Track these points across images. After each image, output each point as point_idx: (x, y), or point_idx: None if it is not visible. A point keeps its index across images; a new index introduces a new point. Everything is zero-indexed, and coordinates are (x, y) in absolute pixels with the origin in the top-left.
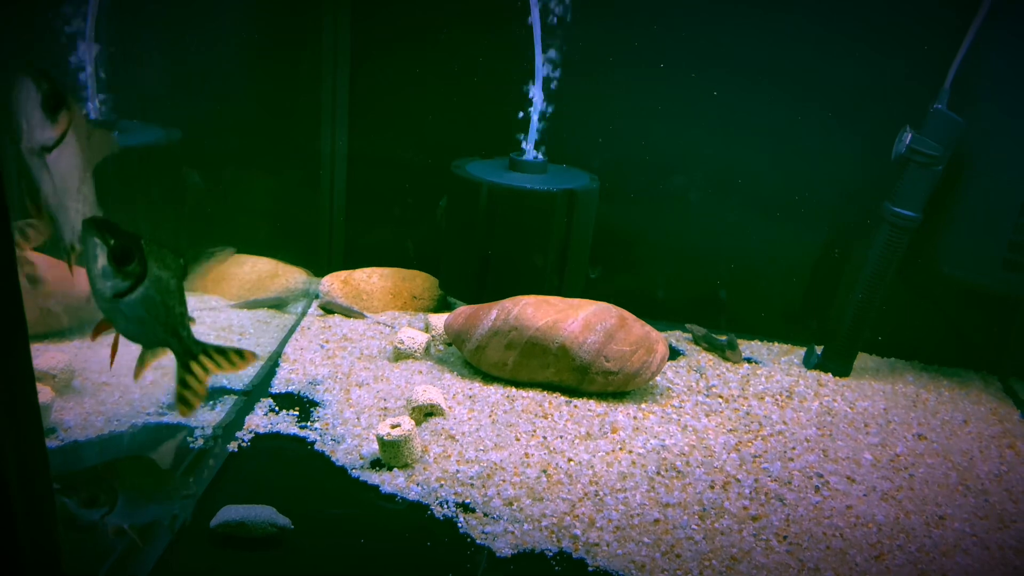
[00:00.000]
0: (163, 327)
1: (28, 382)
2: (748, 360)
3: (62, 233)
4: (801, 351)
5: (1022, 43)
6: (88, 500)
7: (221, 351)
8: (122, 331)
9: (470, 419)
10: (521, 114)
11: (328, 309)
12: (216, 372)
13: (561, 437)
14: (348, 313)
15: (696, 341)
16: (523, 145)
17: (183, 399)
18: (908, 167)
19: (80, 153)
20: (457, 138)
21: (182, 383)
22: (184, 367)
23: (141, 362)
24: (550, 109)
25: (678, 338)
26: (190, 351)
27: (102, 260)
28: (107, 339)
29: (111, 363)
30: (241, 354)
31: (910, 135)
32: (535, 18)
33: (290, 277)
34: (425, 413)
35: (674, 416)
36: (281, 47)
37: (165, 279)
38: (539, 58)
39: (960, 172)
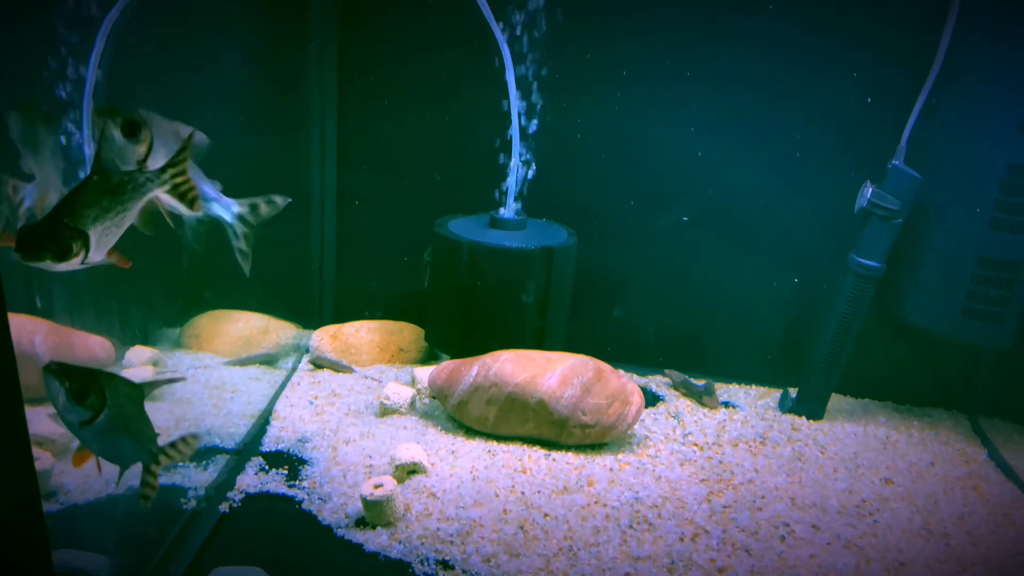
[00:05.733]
0: (133, 445)
1: (25, 451)
2: (725, 405)
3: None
4: (779, 394)
5: (975, 97)
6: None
7: (172, 446)
8: (98, 453)
9: (451, 476)
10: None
11: (318, 364)
12: (167, 463)
13: (539, 492)
14: (337, 368)
15: (675, 387)
16: (502, 203)
17: (146, 496)
18: (870, 220)
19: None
20: (445, 185)
21: (145, 484)
22: (148, 473)
23: (120, 477)
24: (529, 166)
25: (658, 383)
26: (155, 460)
27: (63, 399)
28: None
29: (99, 469)
30: (185, 440)
31: (871, 189)
32: (510, 78)
33: (281, 332)
34: (408, 471)
35: (649, 467)
36: (269, 92)
37: (124, 405)
38: (515, 121)
39: (920, 224)
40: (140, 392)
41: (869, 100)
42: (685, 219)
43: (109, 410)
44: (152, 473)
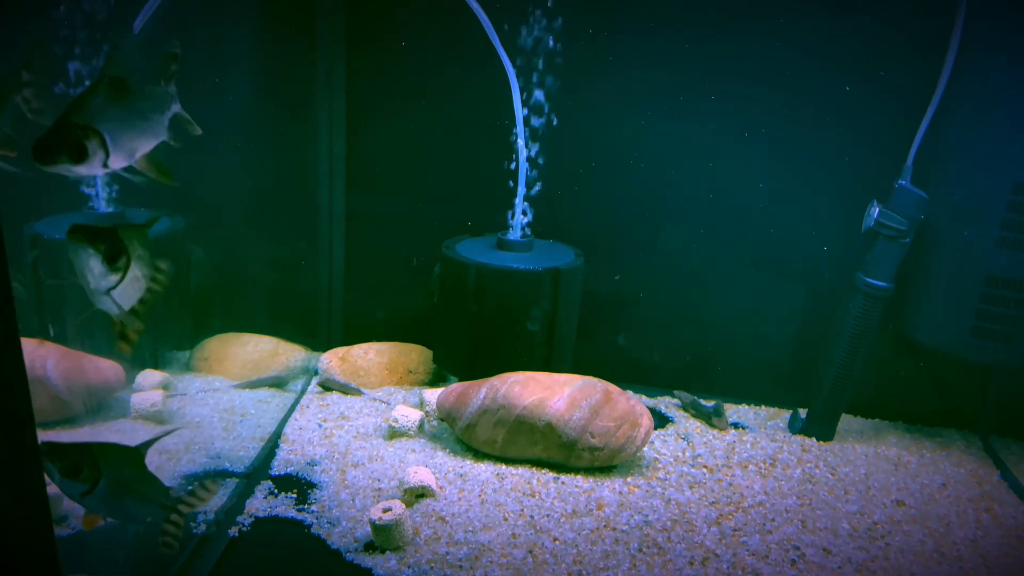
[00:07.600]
0: (140, 505)
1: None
2: (735, 426)
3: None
4: (788, 414)
5: (981, 115)
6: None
7: (192, 494)
8: (106, 516)
9: (460, 499)
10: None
11: (327, 386)
12: (188, 512)
13: (548, 516)
14: (346, 390)
15: (684, 408)
16: (511, 222)
17: (167, 545)
18: (877, 240)
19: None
20: (453, 206)
21: (165, 533)
22: (170, 525)
23: (141, 535)
24: (535, 187)
25: (667, 404)
26: (174, 512)
27: (58, 476)
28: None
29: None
30: (204, 486)
31: (877, 209)
32: (516, 105)
33: (290, 355)
34: (417, 495)
35: (659, 489)
36: (277, 112)
37: (121, 470)
38: (521, 141)
39: (928, 242)
40: (138, 454)
41: (881, 72)
42: (641, 296)
43: (106, 478)
44: (173, 527)
